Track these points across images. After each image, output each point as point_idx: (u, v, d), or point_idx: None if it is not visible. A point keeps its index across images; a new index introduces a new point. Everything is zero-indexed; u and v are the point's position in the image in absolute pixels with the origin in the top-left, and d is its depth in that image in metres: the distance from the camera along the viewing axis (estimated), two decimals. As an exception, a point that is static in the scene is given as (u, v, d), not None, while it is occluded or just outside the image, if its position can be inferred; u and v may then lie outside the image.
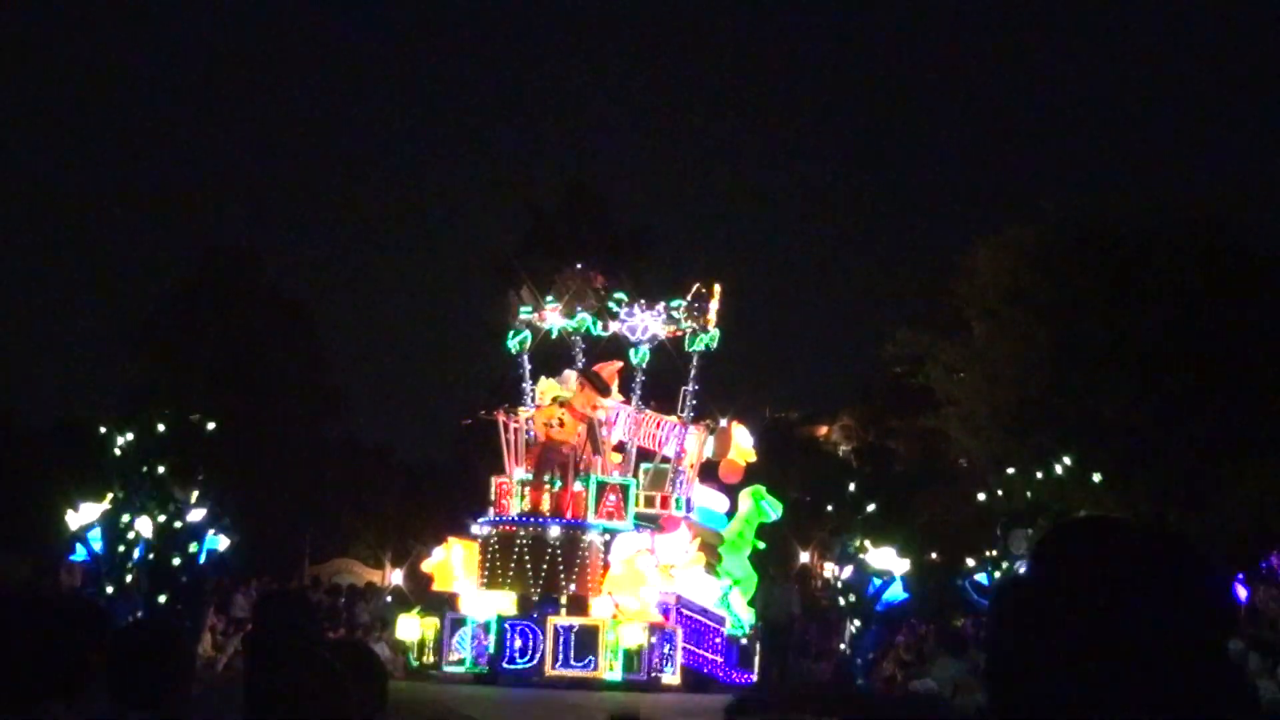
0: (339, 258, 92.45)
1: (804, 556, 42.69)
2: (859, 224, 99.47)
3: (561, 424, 25.49)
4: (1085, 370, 35.47)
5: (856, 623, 26.36)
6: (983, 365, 38.20)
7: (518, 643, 24.02)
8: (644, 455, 26.49)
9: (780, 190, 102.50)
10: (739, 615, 25.98)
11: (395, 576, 40.63)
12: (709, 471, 26.98)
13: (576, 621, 24.05)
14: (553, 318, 26.67)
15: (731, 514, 26.81)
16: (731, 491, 27.01)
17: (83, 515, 27.73)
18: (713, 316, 26.28)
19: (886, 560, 27.07)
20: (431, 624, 25.40)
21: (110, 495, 27.65)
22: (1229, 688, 2.20)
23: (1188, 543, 2.24)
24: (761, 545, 27.06)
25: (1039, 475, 31.47)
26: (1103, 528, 2.29)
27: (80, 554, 25.42)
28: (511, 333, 26.97)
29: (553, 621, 24.05)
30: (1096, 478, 34.35)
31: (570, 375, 26.39)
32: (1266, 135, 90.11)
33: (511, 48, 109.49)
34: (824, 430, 56.33)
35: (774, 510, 27.00)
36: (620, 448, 26.44)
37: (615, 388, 26.48)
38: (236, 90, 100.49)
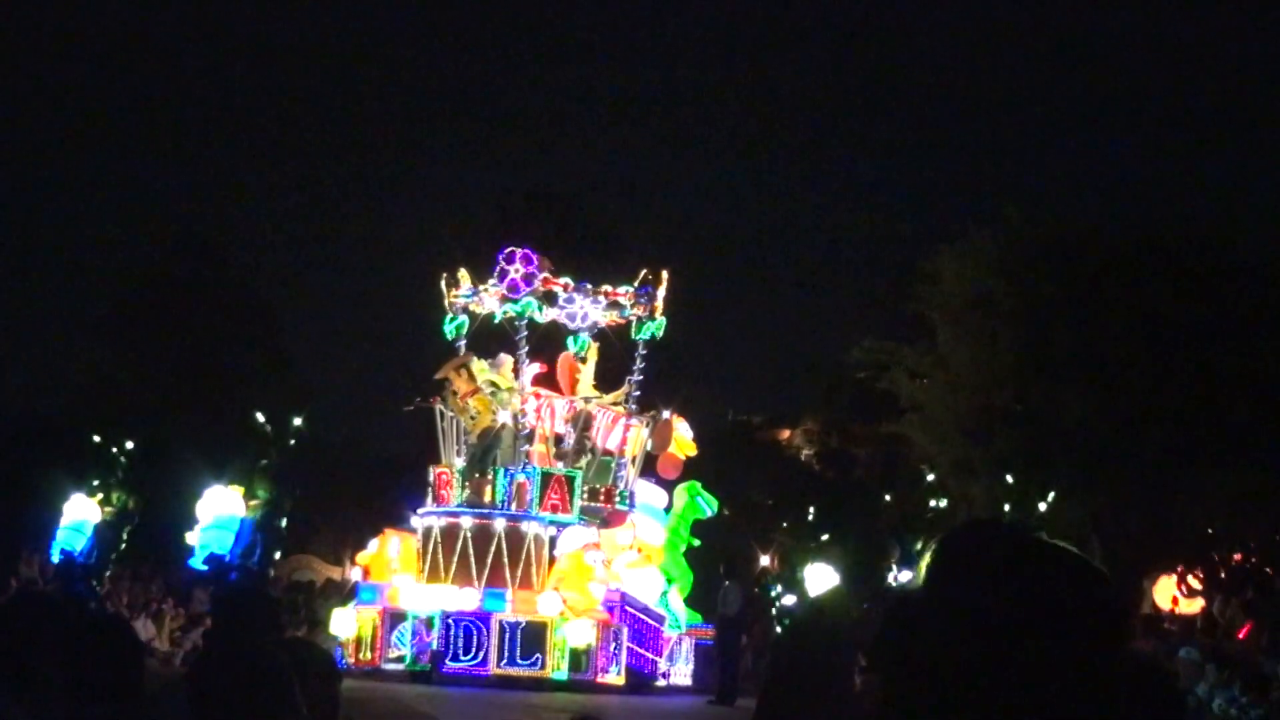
0: (303, 254, 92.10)
1: (764, 560, 42.63)
2: (823, 228, 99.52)
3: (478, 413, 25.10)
4: (1048, 377, 35.48)
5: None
6: (945, 371, 38.18)
7: (462, 640, 23.41)
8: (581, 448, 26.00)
9: (745, 194, 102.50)
10: (676, 614, 25.64)
11: (356, 573, 40.54)
12: (646, 465, 26.57)
13: (523, 618, 23.49)
14: (490, 302, 25.90)
15: (669, 509, 26.46)
16: (669, 487, 26.56)
17: (72, 512, 27.33)
18: (660, 304, 25.78)
19: (822, 578, 26.70)
20: (369, 619, 24.52)
21: (100, 497, 27.30)
22: (1131, 691, 2.13)
23: (1070, 549, 2.18)
24: (696, 542, 26.68)
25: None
26: (988, 534, 2.23)
27: (72, 542, 24.89)
28: (448, 318, 26.27)
29: (499, 618, 23.50)
30: (1069, 495, 34.55)
31: (506, 360, 25.92)
32: (1232, 143, 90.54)
33: (471, 46, 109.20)
34: (786, 434, 56.29)
35: (709, 506, 26.58)
36: (559, 439, 25.95)
37: (529, 379, 25.91)
38: (201, 80, 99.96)
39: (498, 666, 23.39)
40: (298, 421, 46.33)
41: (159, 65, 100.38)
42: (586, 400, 25.79)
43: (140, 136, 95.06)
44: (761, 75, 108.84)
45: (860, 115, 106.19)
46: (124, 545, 26.23)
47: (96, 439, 46.15)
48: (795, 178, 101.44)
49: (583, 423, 25.77)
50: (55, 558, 28.31)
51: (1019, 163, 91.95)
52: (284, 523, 33.49)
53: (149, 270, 54.55)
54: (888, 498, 43.08)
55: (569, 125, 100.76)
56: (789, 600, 25.82)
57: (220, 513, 29.19)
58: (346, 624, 24.83)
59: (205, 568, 31.10)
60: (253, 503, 29.71)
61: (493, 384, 25.63)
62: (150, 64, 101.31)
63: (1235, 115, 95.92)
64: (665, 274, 26.03)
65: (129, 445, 47.07)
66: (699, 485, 26.55)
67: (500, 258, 25.63)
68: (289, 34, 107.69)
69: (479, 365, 25.73)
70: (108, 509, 26.33)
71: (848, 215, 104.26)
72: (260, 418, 45.45)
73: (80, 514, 24.79)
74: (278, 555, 46.33)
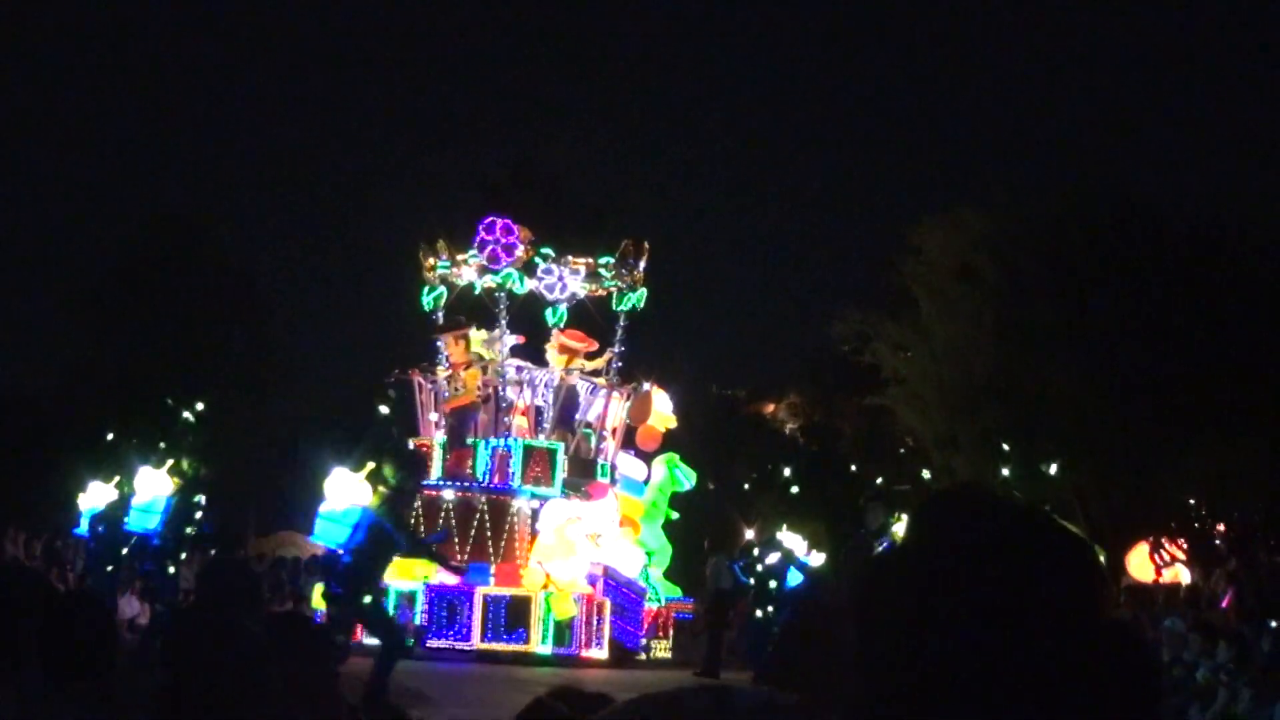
0: (287, 232, 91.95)
1: (749, 533, 42.65)
2: (808, 203, 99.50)
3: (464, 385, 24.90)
4: (1031, 350, 35.54)
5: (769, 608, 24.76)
6: (930, 344, 38.25)
7: (445, 614, 23.14)
8: (563, 420, 25.73)
9: (729, 167, 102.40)
10: (657, 588, 25.48)
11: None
12: (626, 439, 26.39)
13: (508, 592, 23.24)
14: (469, 273, 25.57)
15: (647, 482, 26.27)
16: (647, 459, 26.28)
17: (92, 497, 26.59)
18: (641, 275, 25.58)
19: (794, 546, 26.36)
20: None
21: (117, 479, 26.64)
22: (1110, 658, 2.11)
23: (1054, 517, 2.15)
24: (675, 515, 26.49)
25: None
26: (969, 500, 2.20)
27: (143, 524, 24.15)
28: (426, 289, 25.93)
29: (482, 592, 23.24)
30: (1053, 468, 34.62)
31: (508, 340, 25.64)
32: (1216, 117, 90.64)
33: (455, 24, 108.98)
34: (771, 408, 56.33)
35: (688, 479, 26.30)
36: (539, 412, 25.59)
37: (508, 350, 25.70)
38: (184, 56, 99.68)
39: (481, 641, 23.07)
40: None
41: (138, 41, 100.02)
42: (568, 372, 25.56)
43: (129, 113, 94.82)
44: (745, 48, 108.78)
45: (845, 89, 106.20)
46: (199, 518, 25.18)
47: (169, 401, 45.85)
48: (779, 153, 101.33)
49: (564, 396, 25.54)
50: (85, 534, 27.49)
51: (1003, 137, 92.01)
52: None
53: (129, 249, 54.37)
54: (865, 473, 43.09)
55: (553, 102, 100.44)
56: (772, 558, 25.48)
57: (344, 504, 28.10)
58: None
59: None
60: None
61: (479, 356, 25.46)
62: (129, 40, 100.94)
63: (1220, 88, 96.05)
64: (646, 245, 25.87)
65: (198, 408, 46.80)
66: (677, 458, 26.33)
67: (481, 228, 25.41)
68: (270, 8, 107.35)
69: (477, 336, 25.56)
70: (176, 480, 25.51)
71: (833, 190, 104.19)
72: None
73: (151, 491, 23.95)
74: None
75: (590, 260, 25.57)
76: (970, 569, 2.07)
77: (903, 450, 42.57)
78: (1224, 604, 28.66)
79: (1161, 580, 33.57)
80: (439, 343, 25.72)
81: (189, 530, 25.17)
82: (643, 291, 25.61)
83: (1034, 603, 2.04)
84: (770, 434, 52.65)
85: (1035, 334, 35.58)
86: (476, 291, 25.88)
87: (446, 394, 25.26)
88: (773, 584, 24.79)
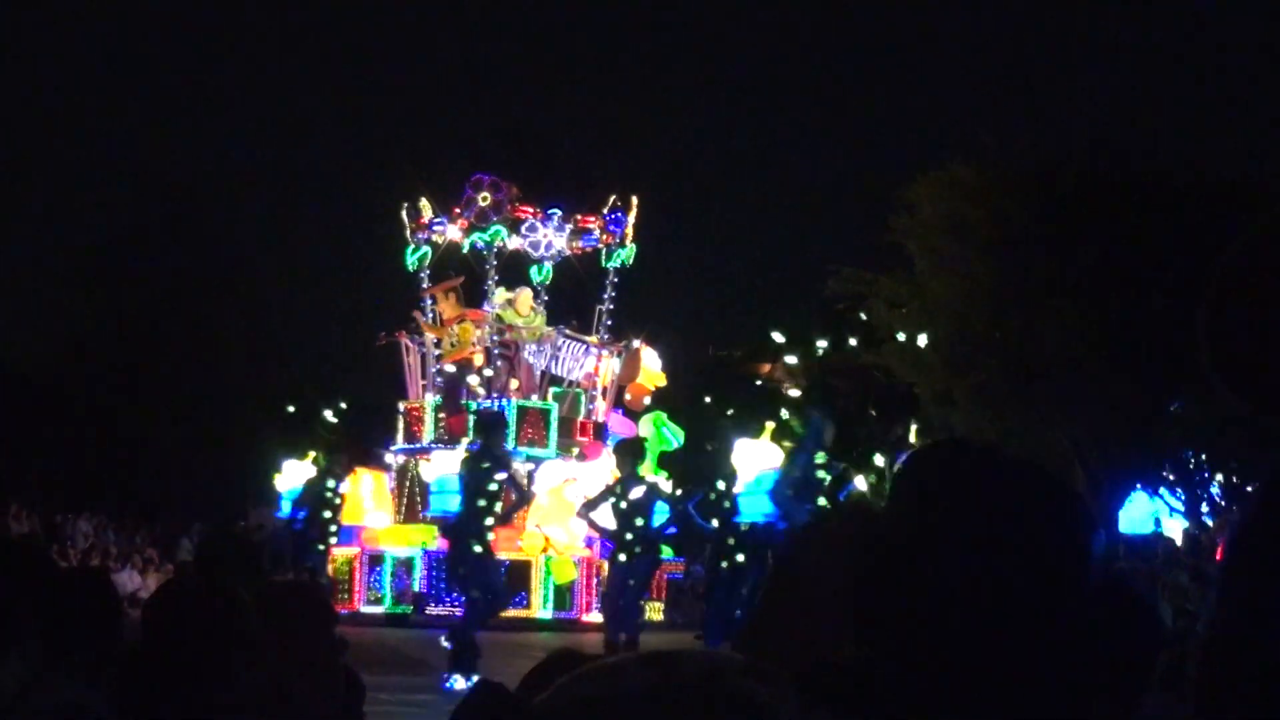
0: (277, 203, 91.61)
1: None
2: (800, 159, 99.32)
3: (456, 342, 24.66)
4: (1026, 304, 35.50)
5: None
6: (924, 300, 38.21)
7: (443, 581, 22.34)
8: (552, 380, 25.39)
9: (721, 125, 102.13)
10: None
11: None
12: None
13: (508, 557, 22.43)
14: (453, 231, 25.18)
15: None
16: (635, 418, 25.96)
17: (288, 477, 26.04)
18: (630, 231, 25.27)
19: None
20: (344, 561, 23.66)
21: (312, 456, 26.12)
22: (1108, 612, 2.08)
23: (1044, 469, 2.12)
24: (664, 474, 25.72)
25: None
26: (958, 453, 2.17)
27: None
28: (410, 249, 25.46)
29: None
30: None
31: (524, 291, 25.30)
32: (1210, 65, 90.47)
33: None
34: (766, 368, 56.29)
35: (675, 437, 25.79)
36: (527, 371, 25.32)
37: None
38: (180, 35, 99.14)
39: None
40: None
41: (122, 11, 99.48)
42: (558, 330, 25.26)
43: (123, 88, 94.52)
44: (735, 6, 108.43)
45: (835, 46, 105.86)
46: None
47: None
48: (772, 110, 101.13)
49: (549, 354, 25.20)
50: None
51: (993, 90, 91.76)
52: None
53: (119, 221, 54.34)
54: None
55: (541, 60, 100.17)
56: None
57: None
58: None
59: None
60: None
61: (498, 318, 25.18)
62: (114, 10, 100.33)
63: (1208, 32, 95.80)
64: (635, 200, 25.51)
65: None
66: (664, 416, 25.89)
67: (468, 184, 25.15)
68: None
69: (500, 295, 25.25)
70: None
71: (824, 146, 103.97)
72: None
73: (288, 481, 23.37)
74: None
75: (579, 216, 25.32)
76: (960, 524, 2.05)
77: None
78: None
79: (1160, 532, 33.63)
80: (427, 300, 25.47)
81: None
82: (632, 248, 25.35)
83: (1026, 557, 2.02)
84: (767, 393, 52.55)
85: (1029, 288, 35.53)
86: (465, 250, 25.49)
87: (437, 353, 25.03)
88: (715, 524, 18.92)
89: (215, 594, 4.47)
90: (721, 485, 17.95)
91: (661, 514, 18.15)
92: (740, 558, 17.39)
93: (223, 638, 4.31)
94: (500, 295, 25.12)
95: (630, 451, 18.59)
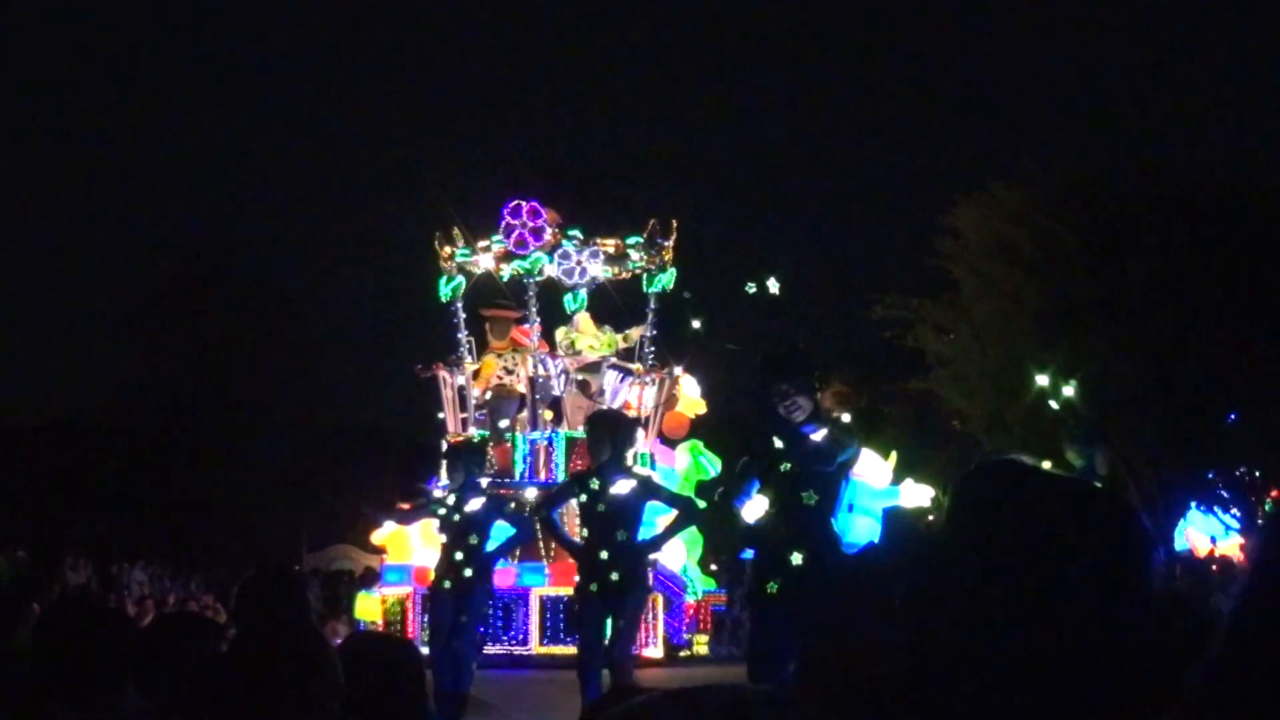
0: (319, 246, 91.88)
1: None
2: (845, 187, 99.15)
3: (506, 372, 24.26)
4: (1072, 324, 35.36)
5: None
6: (971, 325, 38.10)
7: (501, 618, 22.16)
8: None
9: (757, 158, 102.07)
10: (694, 581, 24.67)
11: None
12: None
13: (565, 592, 21.41)
14: (487, 260, 24.50)
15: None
16: (672, 447, 25.27)
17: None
18: (670, 254, 24.51)
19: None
20: (396, 600, 23.20)
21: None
22: (1165, 629, 2.09)
23: (1098, 486, 2.13)
24: (703, 504, 24.70)
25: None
26: (1011, 472, 2.18)
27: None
28: (444, 278, 24.70)
29: (538, 593, 22.46)
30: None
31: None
32: (1244, 82, 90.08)
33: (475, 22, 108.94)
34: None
35: (713, 466, 25.04)
36: (555, 403, 24.70)
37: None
38: (200, 63, 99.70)
39: (540, 645, 22.25)
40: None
41: (155, 47, 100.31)
42: (602, 359, 24.69)
43: (162, 137, 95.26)
44: (773, 33, 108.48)
45: (874, 72, 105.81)
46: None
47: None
48: (813, 137, 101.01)
49: (581, 381, 24.67)
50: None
51: (1036, 113, 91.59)
52: None
53: (162, 271, 54.71)
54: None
55: (577, 89, 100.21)
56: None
57: None
58: (370, 609, 23.77)
59: None
60: None
61: (572, 342, 24.72)
62: (146, 47, 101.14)
63: (1249, 48, 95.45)
64: (674, 223, 24.91)
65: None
66: (701, 445, 25.25)
67: (505, 211, 24.45)
68: (291, 7, 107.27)
69: (600, 331, 24.84)
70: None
71: (868, 171, 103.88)
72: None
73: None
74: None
75: (618, 241, 24.81)
76: (1019, 540, 2.05)
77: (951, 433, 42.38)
78: None
79: (1216, 551, 33.41)
80: (462, 334, 24.93)
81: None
82: (672, 272, 24.66)
83: (1085, 572, 2.03)
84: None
85: (1075, 308, 35.40)
86: (505, 279, 24.94)
87: (471, 382, 24.58)
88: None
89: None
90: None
91: (651, 519, 14.93)
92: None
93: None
94: (600, 332, 24.52)
95: (608, 426, 13.28)
